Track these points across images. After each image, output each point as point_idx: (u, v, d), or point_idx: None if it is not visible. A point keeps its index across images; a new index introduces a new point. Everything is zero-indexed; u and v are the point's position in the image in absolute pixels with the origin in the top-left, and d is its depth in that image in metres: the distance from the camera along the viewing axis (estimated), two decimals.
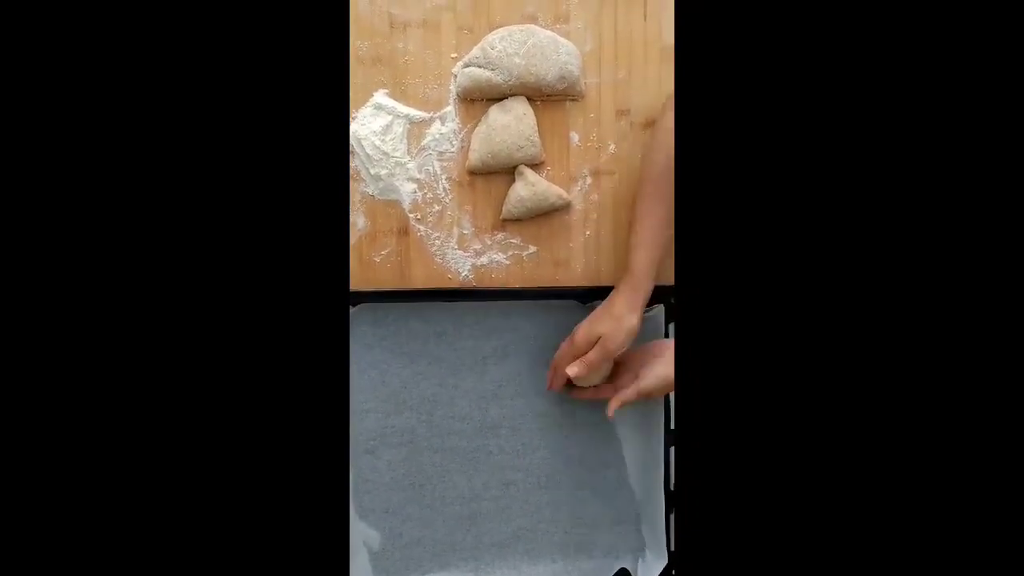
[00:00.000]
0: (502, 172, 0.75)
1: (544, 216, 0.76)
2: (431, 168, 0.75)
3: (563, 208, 0.76)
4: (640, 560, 0.80)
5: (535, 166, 0.75)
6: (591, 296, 0.78)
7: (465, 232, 0.76)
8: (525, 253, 0.76)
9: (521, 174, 0.74)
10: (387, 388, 0.77)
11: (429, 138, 0.75)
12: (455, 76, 0.74)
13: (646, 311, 0.78)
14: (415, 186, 0.75)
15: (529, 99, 0.74)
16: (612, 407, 0.70)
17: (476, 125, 0.74)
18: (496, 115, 0.73)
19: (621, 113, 0.76)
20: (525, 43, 0.72)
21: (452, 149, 0.75)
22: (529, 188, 0.73)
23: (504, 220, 0.76)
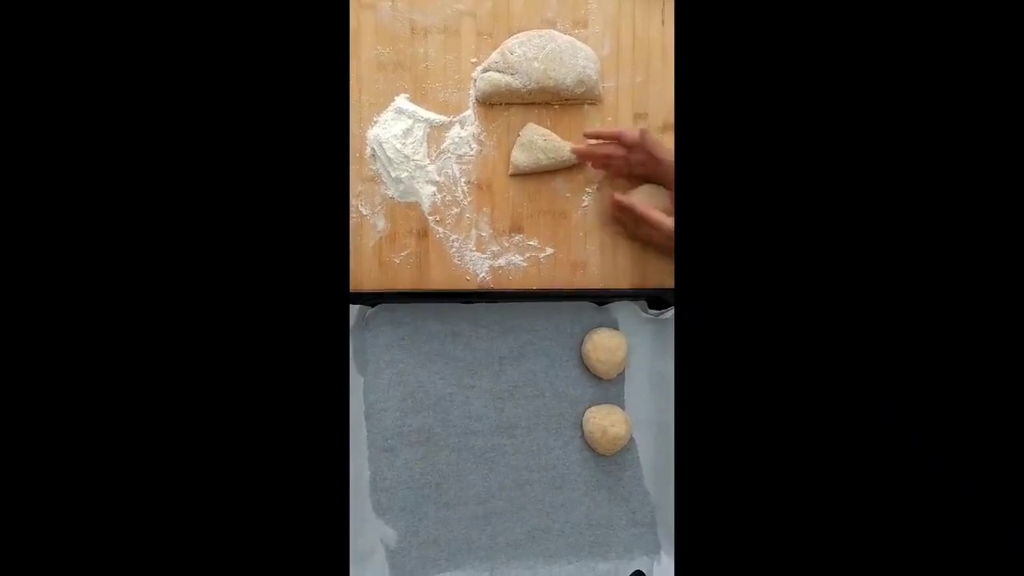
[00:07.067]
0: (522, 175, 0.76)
1: (562, 218, 0.77)
2: (450, 171, 0.76)
3: (570, 166, 0.77)
4: (655, 562, 0.80)
5: (569, 168, 0.77)
6: (608, 298, 0.78)
7: (483, 234, 0.77)
8: (542, 255, 0.77)
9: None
10: (404, 388, 0.78)
11: (449, 141, 0.76)
12: (475, 81, 0.75)
13: (658, 313, 0.78)
14: (434, 188, 0.76)
15: (547, 103, 0.75)
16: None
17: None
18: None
19: (639, 117, 0.76)
20: (544, 48, 0.73)
21: (471, 152, 0.76)
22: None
23: (512, 174, 0.76)
